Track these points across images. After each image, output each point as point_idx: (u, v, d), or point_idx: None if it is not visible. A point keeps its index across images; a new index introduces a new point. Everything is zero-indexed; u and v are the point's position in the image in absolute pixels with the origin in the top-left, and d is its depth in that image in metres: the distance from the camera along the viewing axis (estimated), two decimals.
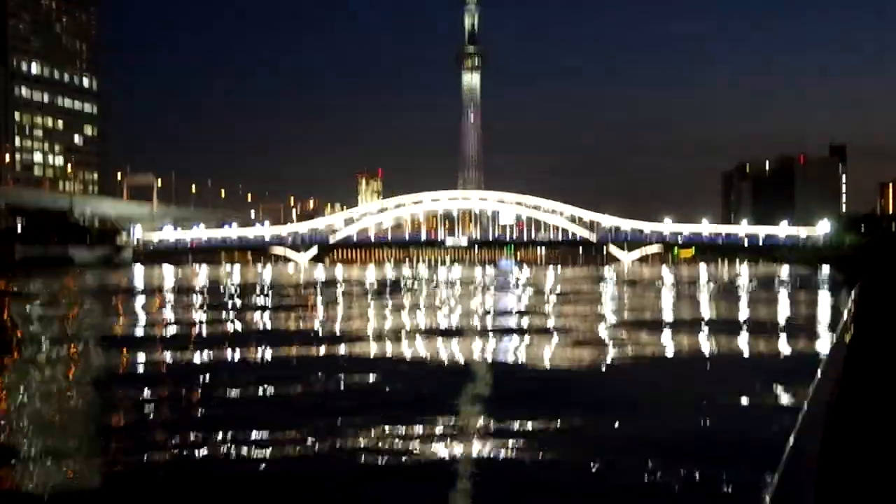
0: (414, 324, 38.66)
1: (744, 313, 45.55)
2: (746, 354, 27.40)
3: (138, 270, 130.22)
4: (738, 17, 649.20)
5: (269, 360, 26.61)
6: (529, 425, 16.21)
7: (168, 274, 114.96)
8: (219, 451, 14.58)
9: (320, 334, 34.01)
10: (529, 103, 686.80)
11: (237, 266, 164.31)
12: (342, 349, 28.52)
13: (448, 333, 34.10)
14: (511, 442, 14.88)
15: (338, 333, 34.64)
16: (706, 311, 47.86)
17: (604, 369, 24.49)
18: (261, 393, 20.16)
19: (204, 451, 14.49)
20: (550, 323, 38.96)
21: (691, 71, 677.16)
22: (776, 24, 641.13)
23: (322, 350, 28.65)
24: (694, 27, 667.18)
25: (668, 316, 44.31)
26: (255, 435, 15.52)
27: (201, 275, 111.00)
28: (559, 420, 16.66)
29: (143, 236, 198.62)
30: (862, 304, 5.70)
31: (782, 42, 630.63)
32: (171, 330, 37.34)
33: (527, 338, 32.29)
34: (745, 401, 18.67)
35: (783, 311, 47.30)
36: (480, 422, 16.65)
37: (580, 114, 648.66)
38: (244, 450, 14.59)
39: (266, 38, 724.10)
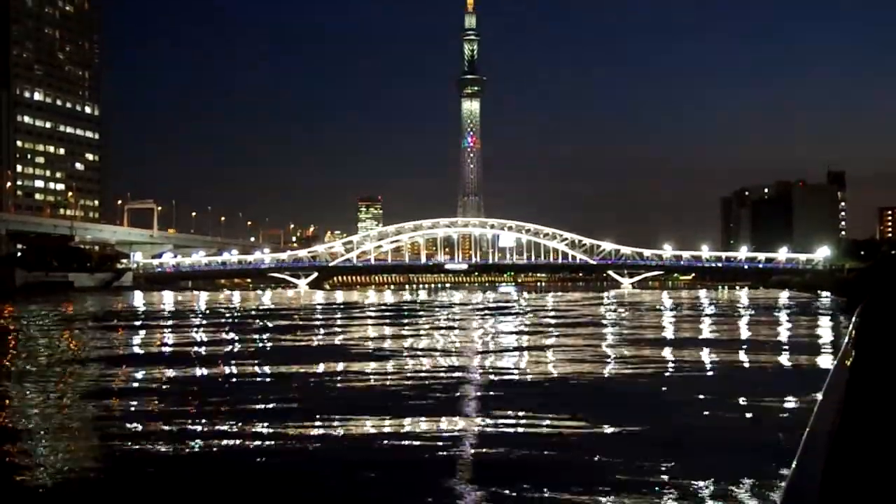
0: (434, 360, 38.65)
1: (744, 336, 45.67)
2: (746, 382, 26.56)
3: (138, 295, 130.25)
4: (736, 43, 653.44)
5: (292, 374, 26.77)
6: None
7: (169, 299, 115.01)
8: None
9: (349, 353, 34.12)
10: (529, 130, 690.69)
11: (236, 292, 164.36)
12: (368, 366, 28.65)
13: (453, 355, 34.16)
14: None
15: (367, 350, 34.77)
16: (707, 335, 47.95)
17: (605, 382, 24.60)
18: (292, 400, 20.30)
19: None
20: (556, 345, 39.08)
21: (691, 98, 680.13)
22: (775, 50, 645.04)
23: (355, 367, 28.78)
24: (693, 54, 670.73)
25: (668, 338, 44.43)
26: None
27: (227, 297, 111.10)
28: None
29: (143, 262, 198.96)
30: (863, 329, 5.68)
31: (781, 68, 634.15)
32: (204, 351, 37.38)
33: (542, 355, 32.39)
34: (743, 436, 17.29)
35: (784, 336, 47.39)
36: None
37: (581, 140, 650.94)
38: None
39: (267, 65, 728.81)
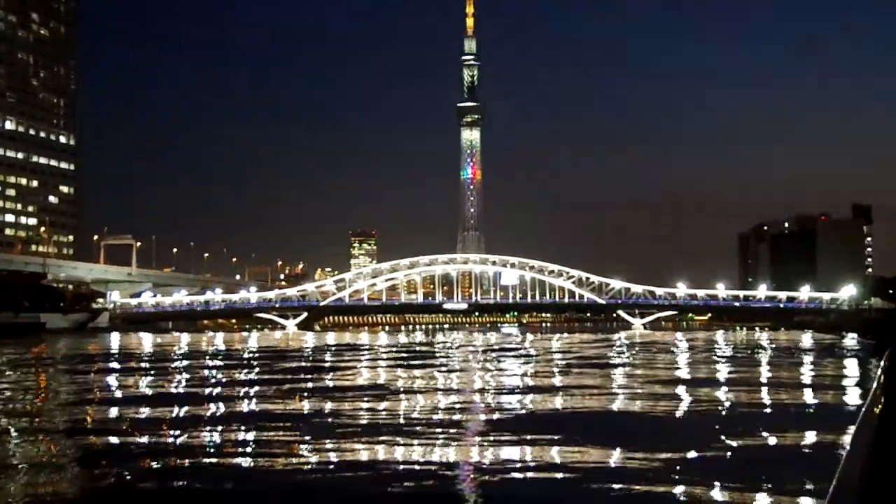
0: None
1: (766, 378, 45.73)
2: (771, 438, 26.09)
3: (115, 337, 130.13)
4: (752, 72, 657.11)
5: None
6: None
7: (148, 341, 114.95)
8: None
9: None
10: (532, 161, 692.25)
11: (220, 333, 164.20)
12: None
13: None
14: None
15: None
16: (725, 381, 47.99)
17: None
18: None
19: None
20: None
21: (705, 127, 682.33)
22: (794, 77, 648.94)
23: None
24: (705, 84, 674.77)
25: (685, 387, 44.49)
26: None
27: (211, 340, 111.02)
28: None
29: (120, 301, 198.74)
30: (893, 373, 5.67)
31: (801, 96, 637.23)
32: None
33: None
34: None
35: (807, 378, 47.44)
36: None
37: (587, 172, 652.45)
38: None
39: (249, 95, 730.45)
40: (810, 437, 23.04)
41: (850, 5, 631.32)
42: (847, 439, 3.03)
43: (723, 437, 22.91)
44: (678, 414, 29.54)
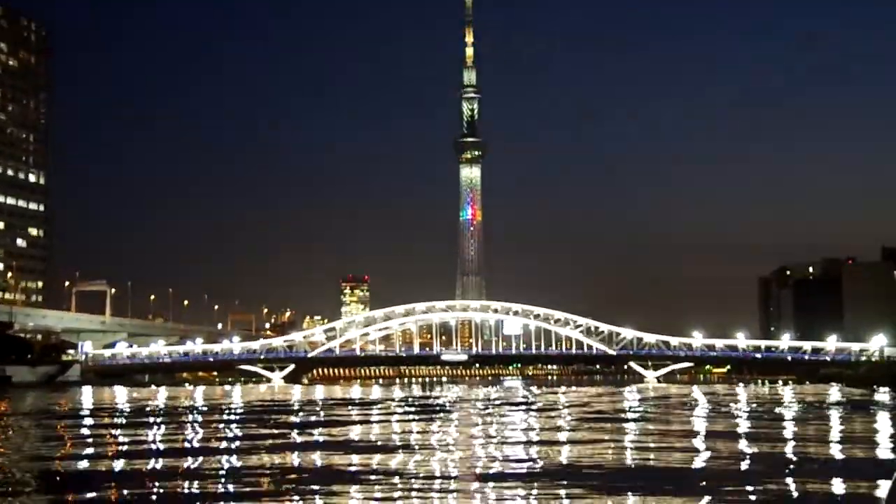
0: None
1: (790, 436, 45.28)
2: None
3: (86, 392, 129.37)
4: (773, 109, 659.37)
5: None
6: None
7: (122, 395, 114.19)
8: None
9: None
10: (537, 200, 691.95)
11: (201, 386, 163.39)
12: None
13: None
14: None
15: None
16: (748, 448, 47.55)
17: None
18: None
19: None
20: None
21: (722, 166, 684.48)
22: (817, 114, 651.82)
23: None
24: (723, 118, 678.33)
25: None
26: None
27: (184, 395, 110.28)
28: None
29: (92, 353, 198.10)
30: None
31: (824, 133, 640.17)
32: None
33: None
34: None
35: (836, 441, 46.95)
36: None
37: (596, 212, 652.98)
38: None
39: (231, 132, 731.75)
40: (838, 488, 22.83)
41: None
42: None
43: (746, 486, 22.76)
44: (696, 465, 29.27)
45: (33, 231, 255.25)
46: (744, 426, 53.55)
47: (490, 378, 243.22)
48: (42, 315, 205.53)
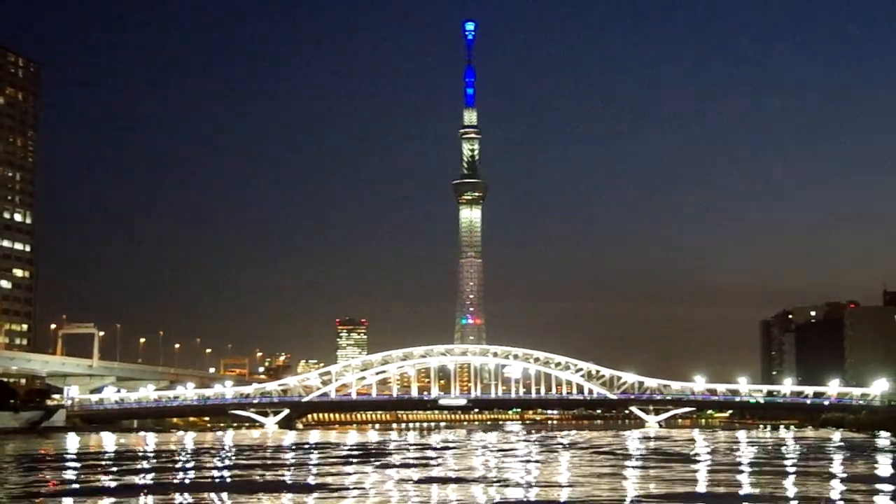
0: None
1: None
2: None
3: (71, 439, 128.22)
4: (772, 154, 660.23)
5: None
6: None
7: (110, 442, 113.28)
8: None
9: None
10: (537, 243, 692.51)
11: (192, 433, 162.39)
12: None
13: None
14: None
15: None
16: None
17: None
18: None
19: None
20: None
21: (722, 207, 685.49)
22: (819, 159, 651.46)
23: None
24: (725, 161, 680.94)
25: None
26: None
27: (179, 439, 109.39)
28: None
29: (79, 398, 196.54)
30: None
31: (826, 179, 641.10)
32: None
33: None
34: None
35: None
36: None
37: (596, 255, 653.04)
38: None
39: (225, 173, 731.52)
40: None
41: None
42: None
43: None
44: None
45: (18, 272, 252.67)
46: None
47: (489, 423, 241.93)
48: (27, 359, 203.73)
